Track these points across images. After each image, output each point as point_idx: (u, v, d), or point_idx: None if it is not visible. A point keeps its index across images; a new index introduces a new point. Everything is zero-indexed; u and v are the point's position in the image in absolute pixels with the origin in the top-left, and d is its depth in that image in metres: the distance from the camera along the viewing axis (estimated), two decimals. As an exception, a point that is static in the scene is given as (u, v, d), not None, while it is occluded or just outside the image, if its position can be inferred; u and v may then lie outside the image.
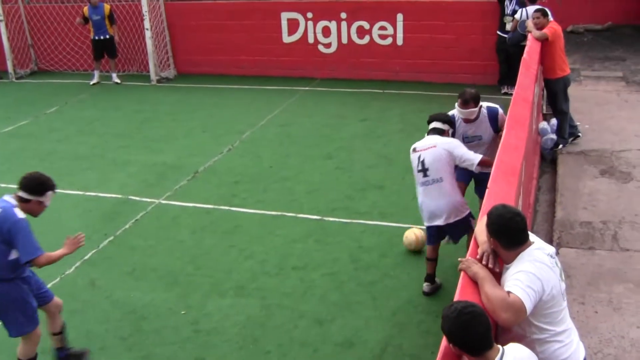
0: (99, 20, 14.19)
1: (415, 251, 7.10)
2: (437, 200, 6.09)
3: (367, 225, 7.77)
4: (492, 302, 3.36)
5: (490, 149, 6.53)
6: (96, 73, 14.75)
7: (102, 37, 14.39)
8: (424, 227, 6.39)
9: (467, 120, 6.67)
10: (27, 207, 5.27)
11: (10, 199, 5.29)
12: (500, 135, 6.12)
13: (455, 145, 6.16)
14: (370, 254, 7.13)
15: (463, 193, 6.77)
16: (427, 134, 6.31)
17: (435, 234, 6.27)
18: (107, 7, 14.32)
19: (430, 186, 6.09)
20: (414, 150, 6.20)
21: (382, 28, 13.33)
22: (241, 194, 8.81)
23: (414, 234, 7.08)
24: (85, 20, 14.33)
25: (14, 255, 5.15)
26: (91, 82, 14.74)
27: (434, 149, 6.09)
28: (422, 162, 6.08)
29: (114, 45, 14.67)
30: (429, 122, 6.37)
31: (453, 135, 6.71)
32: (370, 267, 6.91)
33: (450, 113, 6.75)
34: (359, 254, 7.17)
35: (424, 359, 5.55)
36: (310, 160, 9.76)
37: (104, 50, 14.55)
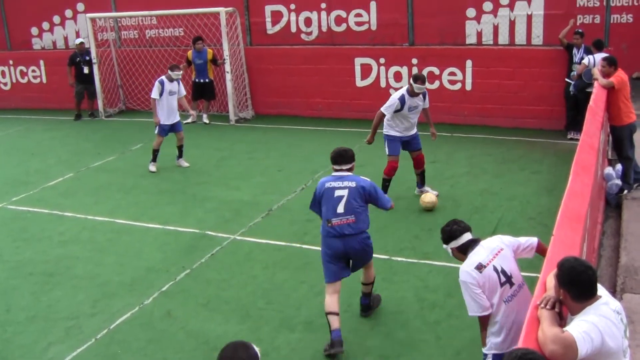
0: (201, 64, 14.91)
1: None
2: (524, 308, 4.59)
3: (433, 265, 7.93)
4: (545, 334, 3.45)
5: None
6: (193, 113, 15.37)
7: (202, 80, 15.12)
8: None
9: (415, 95, 9.36)
10: None
11: (343, 173, 6.55)
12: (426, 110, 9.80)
13: (509, 238, 5.18)
14: (436, 294, 7.28)
15: (397, 165, 9.60)
16: (465, 249, 5.14)
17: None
18: (210, 52, 15.04)
19: (518, 294, 4.94)
20: (482, 266, 4.90)
21: (452, 74, 13.64)
22: (312, 232, 9.03)
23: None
24: (189, 63, 15.06)
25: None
26: (185, 122, 15.32)
27: (503, 251, 5.01)
28: (504, 272, 4.90)
29: (214, 88, 15.36)
30: (458, 235, 5.20)
31: (401, 109, 9.39)
32: (435, 306, 7.05)
33: (398, 94, 9.48)
34: (425, 293, 7.33)
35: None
36: (380, 201, 9.97)
37: (203, 92, 15.26)
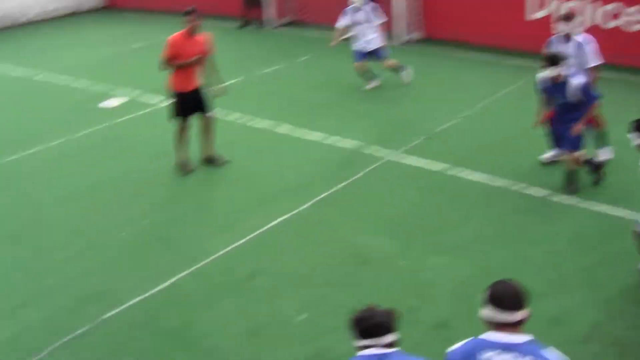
0: None
1: None
2: None
3: (592, 211, 7.58)
4: None
5: None
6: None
7: None
8: None
9: None
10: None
11: None
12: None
13: None
14: (592, 240, 7.01)
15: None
16: None
17: None
18: None
19: None
20: None
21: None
22: (471, 160, 8.87)
23: None
24: None
25: None
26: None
27: None
28: None
29: None
30: None
31: None
32: (591, 250, 6.82)
33: None
34: (582, 237, 7.08)
35: (631, 351, 5.49)
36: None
37: None
